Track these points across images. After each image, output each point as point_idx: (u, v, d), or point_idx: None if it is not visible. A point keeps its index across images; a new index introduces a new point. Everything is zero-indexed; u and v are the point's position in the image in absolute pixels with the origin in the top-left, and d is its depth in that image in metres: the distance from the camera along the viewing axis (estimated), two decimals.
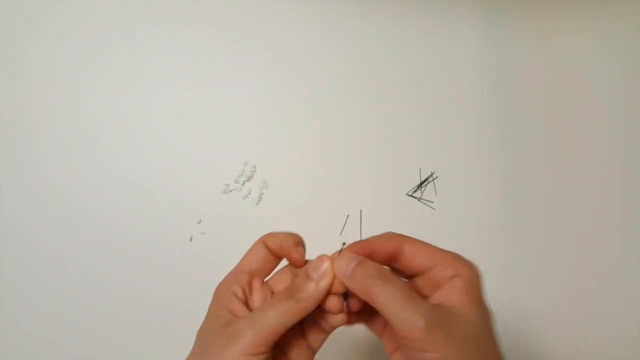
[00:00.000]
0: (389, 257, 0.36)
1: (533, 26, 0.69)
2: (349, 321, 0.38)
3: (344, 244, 0.36)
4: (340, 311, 0.36)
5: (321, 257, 0.36)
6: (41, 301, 0.57)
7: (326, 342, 0.38)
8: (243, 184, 0.62)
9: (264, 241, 0.38)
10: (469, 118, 0.66)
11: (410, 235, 0.37)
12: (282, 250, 0.38)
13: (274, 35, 0.67)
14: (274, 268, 0.39)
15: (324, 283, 0.35)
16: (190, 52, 0.66)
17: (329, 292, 0.35)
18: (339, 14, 0.68)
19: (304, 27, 0.68)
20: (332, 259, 0.35)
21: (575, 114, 0.67)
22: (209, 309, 0.37)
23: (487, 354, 0.33)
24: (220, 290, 0.38)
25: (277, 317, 0.34)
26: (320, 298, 0.35)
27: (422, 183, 0.63)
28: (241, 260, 0.39)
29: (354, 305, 0.37)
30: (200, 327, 0.37)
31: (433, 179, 0.63)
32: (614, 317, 0.61)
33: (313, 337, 0.38)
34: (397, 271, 0.38)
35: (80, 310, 0.57)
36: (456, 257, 0.35)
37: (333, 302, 0.36)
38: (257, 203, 0.61)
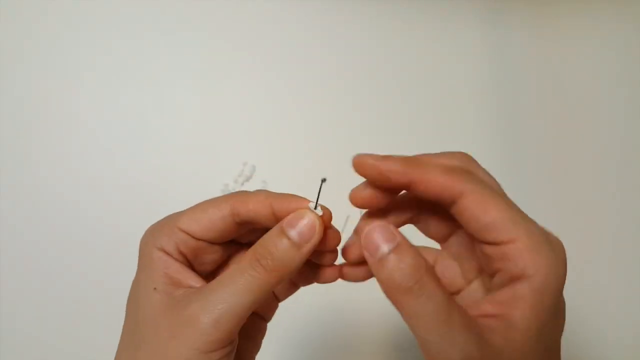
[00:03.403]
0: (436, 199, 0.25)
1: (533, 26, 0.69)
2: (346, 276, 0.29)
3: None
4: (335, 274, 0.28)
5: (300, 207, 0.26)
6: (41, 301, 0.57)
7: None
8: (242, 184, 0.61)
9: (233, 207, 0.27)
10: (470, 118, 0.65)
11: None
12: (278, 214, 0.27)
13: (274, 35, 0.67)
14: (234, 236, 0.29)
15: (307, 249, 0.26)
16: (190, 52, 0.65)
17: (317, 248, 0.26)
18: (338, 14, 0.68)
19: (304, 27, 0.67)
20: (320, 216, 0.26)
21: (576, 113, 0.67)
22: (137, 276, 0.28)
23: None
24: (149, 247, 0.27)
25: (241, 295, 0.24)
26: (300, 265, 0.26)
27: None
28: (182, 216, 0.28)
29: (352, 254, 0.28)
30: (129, 304, 0.28)
31: None
32: (617, 318, 0.60)
33: (281, 287, 0.31)
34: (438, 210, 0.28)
35: (78, 310, 0.57)
36: (534, 245, 0.24)
37: (326, 260, 0.28)
38: None
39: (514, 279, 0.24)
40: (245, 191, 0.28)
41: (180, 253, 0.27)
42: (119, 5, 0.65)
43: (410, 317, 0.24)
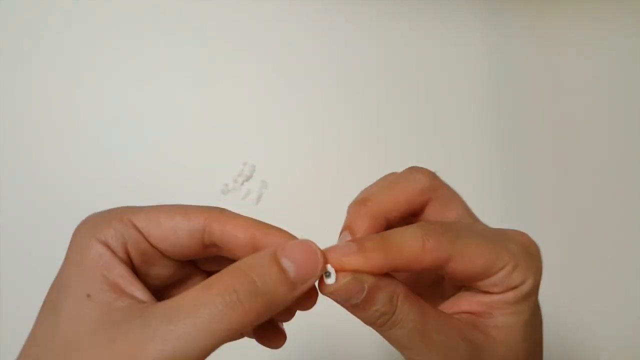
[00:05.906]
0: (422, 271, 0.23)
1: (533, 26, 0.69)
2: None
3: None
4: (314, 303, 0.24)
5: (307, 244, 0.21)
6: (41, 301, 0.57)
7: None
8: (242, 184, 0.61)
9: (207, 224, 0.23)
10: (470, 118, 0.65)
11: None
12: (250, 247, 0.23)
13: (274, 35, 0.66)
14: (195, 257, 0.24)
15: (302, 290, 0.21)
16: (190, 52, 0.65)
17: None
18: (338, 14, 0.68)
19: (304, 27, 0.67)
20: (328, 253, 0.22)
21: (576, 113, 0.66)
22: (64, 273, 0.22)
23: None
24: (87, 238, 0.22)
25: (205, 332, 0.18)
26: (286, 306, 0.21)
27: None
28: (139, 211, 0.22)
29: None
30: (45, 311, 0.22)
31: None
32: (617, 317, 0.60)
33: None
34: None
35: None
36: (519, 262, 0.23)
37: (309, 301, 0.24)
38: (257, 203, 0.61)
39: (506, 289, 0.23)
40: (226, 210, 0.24)
41: (127, 253, 0.22)
42: (119, 5, 0.65)
43: (388, 340, 0.23)
